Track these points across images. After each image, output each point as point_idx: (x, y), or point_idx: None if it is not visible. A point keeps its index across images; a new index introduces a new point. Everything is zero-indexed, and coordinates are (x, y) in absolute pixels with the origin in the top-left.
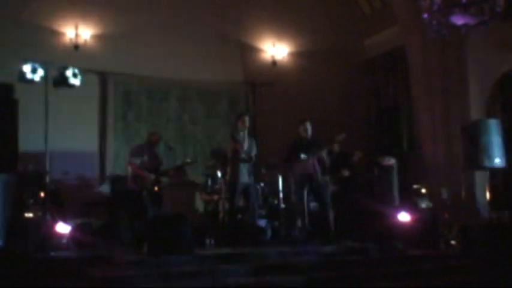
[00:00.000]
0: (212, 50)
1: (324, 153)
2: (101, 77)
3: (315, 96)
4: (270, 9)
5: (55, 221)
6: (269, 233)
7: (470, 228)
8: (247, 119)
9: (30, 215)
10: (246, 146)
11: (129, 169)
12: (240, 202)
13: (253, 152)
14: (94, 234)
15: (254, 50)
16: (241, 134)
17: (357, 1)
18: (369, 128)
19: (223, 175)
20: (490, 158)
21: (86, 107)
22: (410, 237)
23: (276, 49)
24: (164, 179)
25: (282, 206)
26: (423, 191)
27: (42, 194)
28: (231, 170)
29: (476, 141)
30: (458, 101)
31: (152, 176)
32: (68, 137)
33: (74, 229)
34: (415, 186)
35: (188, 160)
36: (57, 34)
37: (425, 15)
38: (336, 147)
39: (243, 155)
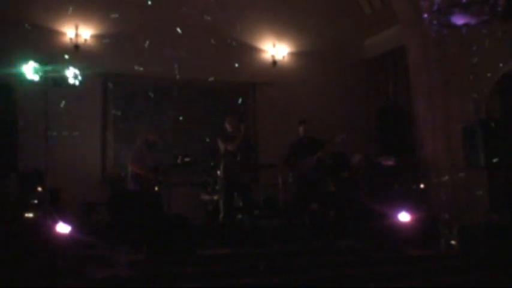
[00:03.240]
0: (212, 49)
1: (324, 154)
2: (101, 77)
3: (315, 96)
4: (270, 9)
5: (55, 221)
6: (269, 233)
7: (470, 228)
8: (235, 119)
9: (30, 215)
10: (236, 146)
11: (130, 170)
12: (240, 202)
13: (252, 152)
14: (94, 235)
15: (254, 50)
16: (230, 134)
17: (357, 1)
18: (369, 128)
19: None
20: (490, 158)
21: (86, 107)
22: (411, 237)
23: (276, 49)
24: (165, 179)
25: (282, 206)
26: (423, 191)
27: (42, 194)
28: (223, 169)
29: (476, 141)
30: (458, 101)
31: (153, 176)
32: (68, 137)
33: (74, 229)
34: (415, 187)
35: (187, 159)
36: (57, 34)
37: (426, 15)
38: (327, 151)
39: (235, 155)
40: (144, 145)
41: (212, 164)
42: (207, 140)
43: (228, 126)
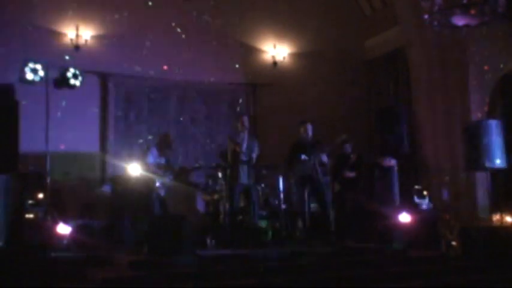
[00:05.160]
0: (213, 50)
1: (324, 155)
2: (102, 78)
3: (316, 97)
4: (270, 10)
5: (56, 222)
6: (270, 233)
7: (470, 229)
8: (246, 119)
9: (31, 215)
10: (245, 147)
11: (143, 169)
12: (241, 203)
13: (255, 153)
14: (95, 235)
15: (255, 51)
16: (240, 135)
17: (358, 2)
18: (369, 129)
19: (224, 176)
20: (491, 158)
21: (86, 107)
22: (411, 238)
23: (276, 50)
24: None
25: (283, 206)
26: (424, 191)
27: (42, 195)
28: (231, 171)
29: (477, 141)
30: (459, 102)
31: (168, 180)
32: (68, 137)
33: (75, 230)
34: (415, 187)
35: (197, 165)
36: (57, 35)
37: (426, 16)
38: (348, 148)
39: (243, 156)
40: (160, 146)
41: (211, 165)
42: (208, 141)
43: (239, 126)
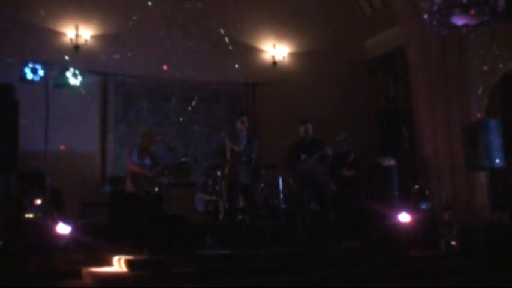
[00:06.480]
0: (212, 50)
1: (328, 149)
2: (101, 78)
3: (315, 97)
4: (270, 9)
5: (55, 222)
6: (269, 233)
7: (470, 228)
8: (246, 119)
9: (31, 215)
10: (243, 146)
11: (128, 170)
12: (240, 203)
13: (254, 153)
14: (94, 235)
15: (254, 51)
16: (240, 134)
17: (358, 2)
18: (369, 129)
19: (223, 175)
20: (491, 158)
21: (86, 107)
22: (411, 237)
23: (276, 50)
24: (164, 180)
25: (283, 206)
26: (423, 191)
27: (42, 195)
28: (229, 170)
29: (477, 141)
30: (459, 101)
31: (153, 172)
32: (68, 137)
33: (74, 230)
34: (415, 187)
35: (183, 159)
36: (57, 34)
37: (426, 16)
38: (345, 147)
39: (242, 156)
40: (143, 146)
41: (210, 164)
42: (207, 140)
43: (239, 125)
